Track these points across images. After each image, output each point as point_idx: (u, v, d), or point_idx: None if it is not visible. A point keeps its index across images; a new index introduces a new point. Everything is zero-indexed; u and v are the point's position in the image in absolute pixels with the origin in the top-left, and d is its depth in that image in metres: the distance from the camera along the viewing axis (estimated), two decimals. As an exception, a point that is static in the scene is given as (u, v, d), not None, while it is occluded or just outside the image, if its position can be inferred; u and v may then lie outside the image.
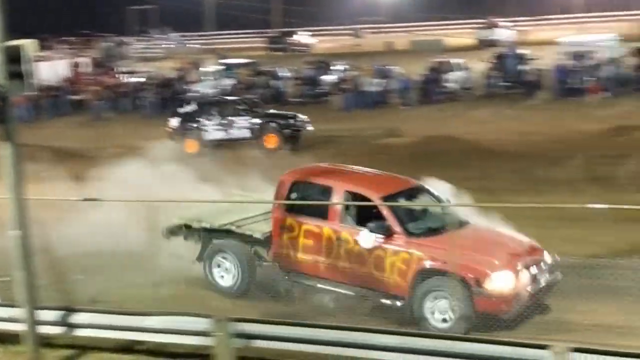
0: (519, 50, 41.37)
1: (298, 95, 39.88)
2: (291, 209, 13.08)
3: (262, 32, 65.32)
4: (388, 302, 12.19)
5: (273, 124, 28.82)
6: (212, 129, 28.69)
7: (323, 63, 43.54)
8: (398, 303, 12.09)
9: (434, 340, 10.04)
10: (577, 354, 9.13)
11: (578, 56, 37.78)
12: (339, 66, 42.71)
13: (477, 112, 33.97)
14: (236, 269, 13.49)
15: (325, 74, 41.53)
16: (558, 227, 14.64)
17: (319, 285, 12.76)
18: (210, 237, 13.80)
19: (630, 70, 36.61)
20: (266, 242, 13.30)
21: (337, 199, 12.75)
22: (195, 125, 28.77)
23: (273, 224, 13.23)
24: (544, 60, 39.79)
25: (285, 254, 13.09)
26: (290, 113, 30.52)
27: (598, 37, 41.81)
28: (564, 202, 15.72)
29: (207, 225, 13.76)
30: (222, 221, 13.69)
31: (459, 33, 55.96)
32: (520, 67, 38.56)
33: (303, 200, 13.01)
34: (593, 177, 20.10)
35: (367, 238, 12.29)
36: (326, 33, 65.54)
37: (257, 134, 28.58)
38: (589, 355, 9.18)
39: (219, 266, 13.71)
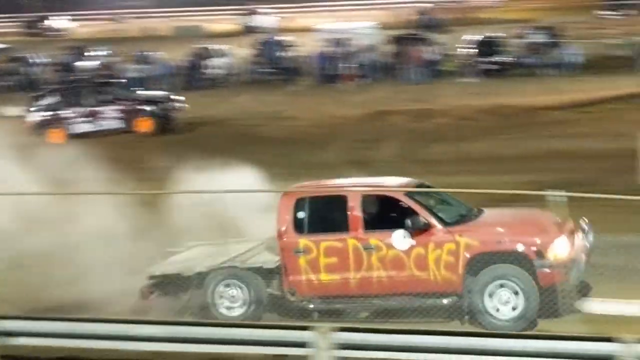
0: (280, 37, 42.13)
1: (57, 81, 38.49)
2: (302, 229, 11.83)
3: (18, 17, 62.46)
4: (442, 302, 11.12)
5: (144, 107, 27.63)
6: (77, 121, 27.08)
7: (78, 49, 42.29)
8: (448, 300, 11.05)
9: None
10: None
11: (337, 43, 39.02)
12: (100, 52, 41.67)
13: (240, 98, 34.30)
14: (245, 308, 11.88)
15: (80, 60, 40.41)
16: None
17: (352, 305, 11.64)
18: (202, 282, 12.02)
19: (387, 57, 38.29)
20: (276, 272, 11.87)
21: (355, 206, 11.63)
22: (58, 117, 27.11)
23: (283, 250, 11.79)
24: (305, 47, 40.74)
25: (306, 279, 11.74)
26: (161, 94, 29.56)
27: (357, 24, 43.34)
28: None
29: (204, 269, 11.94)
30: (216, 261, 12.09)
31: (220, 19, 56.18)
32: (281, 54, 39.33)
33: (314, 216, 11.77)
34: (353, 160, 20.84)
35: (402, 238, 11.29)
36: (86, 18, 63.63)
37: (128, 121, 27.30)
38: (353, 334, 9.36)
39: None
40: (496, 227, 11.28)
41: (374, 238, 11.40)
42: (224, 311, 11.78)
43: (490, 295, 10.86)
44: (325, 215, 11.86)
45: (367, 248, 11.39)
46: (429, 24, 49.96)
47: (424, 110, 28.99)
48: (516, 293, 10.77)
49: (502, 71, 36.30)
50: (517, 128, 25.24)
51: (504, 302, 10.84)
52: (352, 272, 11.49)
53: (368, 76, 36.89)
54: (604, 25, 49.03)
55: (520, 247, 10.86)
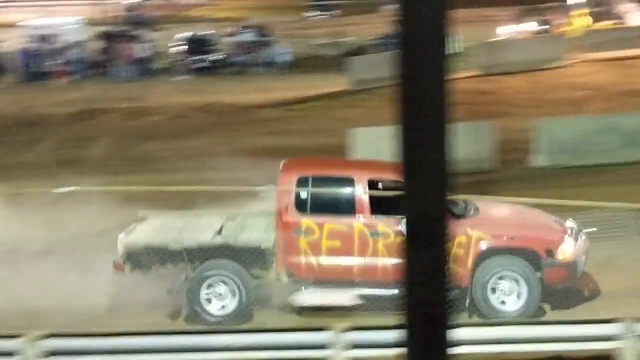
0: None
1: None
2: (305, 209, 11.18)
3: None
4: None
5: None
6: None
7: None
8: (456, 292, 10.65)
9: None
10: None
11: (43, 39, 37.56)
12: None
13: None
14: (237, 291, 11.11)
15: None
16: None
17: (355, 291, 11.03)
18: (193, 257, 11.13)
19: (96, 55, 37.39)
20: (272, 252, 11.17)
21: (361, 189, 11.11)
22: None
23: (281, 228, 11.13)
24: (9, 43, 38.83)
25: (305, 261, 11.14)
26: None
27: (63, 20, 41.90)
28: (33, 187, 15.53)
29: (194, 244, 11.10)
30: (203, 235, 11.30)
31: None
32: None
33: (318, 196, 11.20)
34: (62, 160, 20.17)
35: None
36: None
37: None
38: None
39: (207, 291, 11.21)
40: (508, 222, 11.38)
41: (382, 224, 11.01)
42: (210, 294, 11.12)
43: (494, 290, 10.89)
44: (330, 196, 11.39)
45: (374, 234, 11.03)
46: (138, 21, 49.36)
47: (136, 108, 28.60)
48: (520, 287, 10.90)
49: (214, 69, 36.60)
50: (230, 125, 25.55)
51: (507, 295, 10.93)
52: (355, 257, 11.10)
53: (78, 73, 35.84)
54: (311, 25, 50.88)
55: (532, 244, 10.95)
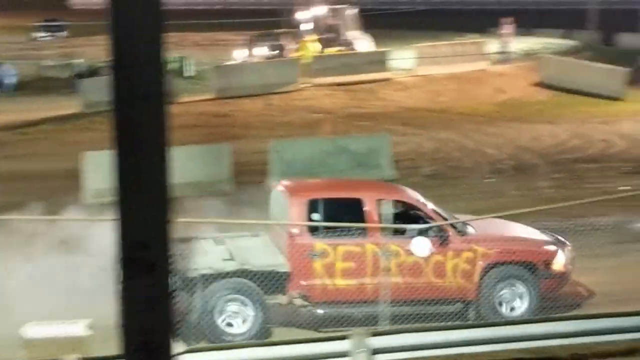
0: None
1: None
2: (317, 232, 11.40)
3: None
4: (451, 308, 11.47)
5: None
6: None
7: None
8: (458, 306, 11.53)
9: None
10: None
11: None
12: None
13: None
14: (254, 314, 11.05)
15: None
16: None
17: (367, 310, 11.25)
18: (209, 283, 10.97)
19: None
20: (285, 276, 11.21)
21: (371, 209, 11.37)
22: None
23: (295, 253, 11.19)
24: None
25: (320, 284, 11.26)
26: None
27: None
28: None
29: (211, 272, 10.94)
30: (208, 262, 11.15)
31: None
32: None
33: (330, 219, 11.39)
34: None
35: (423, 246, 11.18)
36: None
37: None
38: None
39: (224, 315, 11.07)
40: (509, 238, 11.98)
41: (393, 243, 11.31)
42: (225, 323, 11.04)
43: (500, 302, 11.64)
44: (340, 218, 11.46)
45: (386, 253, 11.26)
46: None
47: None
48: (521, 297, 11.70)
49: None
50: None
51: (512, 306, 11.70)
52: (368, 277, 11.35)
53: None
54: (40, 46, 49.24)
55: (532, 257, 11.76)
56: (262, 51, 35.44)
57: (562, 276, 12.07)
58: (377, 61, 34.86)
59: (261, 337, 10.95)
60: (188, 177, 17.97)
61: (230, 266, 11.12)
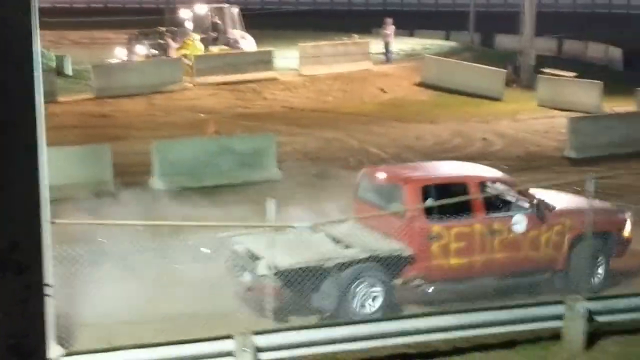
0: None
1: None
2: (431, 215, 12.37)
3: None
4: (544, 276, 13.00)
5: None
6: None
7: None
8: (548, 275, 13.02)
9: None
10: None
11: None
12: None
13: None
14: (383, 295, 12.00)
15: None
16: None
17: (473, 284, 12.66)
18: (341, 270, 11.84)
19: None
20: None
21: (475, 192, 12.65)
22: None
23: (415, 236, 12.22)
24: None
25: (436, 264, 12.36)
26: None
27: None
28: None
29: (345, 259, 11.80)
30: (330, 251, 12.07)
31: None
32: None
33: (440, 202, 12.29)
34: None
35: (522, 222, 12.57)
36: None
37: None
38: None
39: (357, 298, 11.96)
40: (590, 211, 12.48)
41: (497, 222, 12.65)
42: (360, 307, 11.87)
43: (590, 268, 12.86)
44: (451, 199, 12.38)
45: (491, 232, 12.54)
46: None
47: None
48: (600, 265, 13.19)
49: None
50: None
51: (598, 271, 13.20)
52: (477, 255, 12.54)
53: None
54: None
55: (609, 226, 13.37)
56: (143, 50, 34.87)
57: (629, 242, 13.75)
58: (262, 61, 34.80)
59: (392, 313, 11.81)
60: (67, 179, 17.74)
61: (361, 253, 11.99)
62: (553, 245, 13.01)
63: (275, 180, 19.79)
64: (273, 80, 34.11)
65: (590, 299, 11.07)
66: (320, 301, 11.80)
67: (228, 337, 9.68)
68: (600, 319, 11.11)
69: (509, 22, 43.18)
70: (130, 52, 34.93)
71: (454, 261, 12.54)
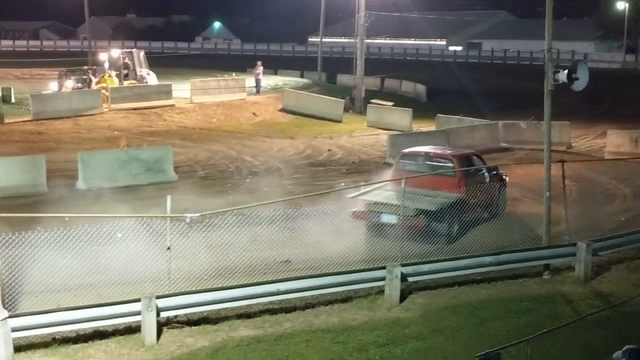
0: None
1: None
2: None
3: None
4: None
5: None
6: None
7: None
8: None
9: None
10: None
11: None
12: None
13: None
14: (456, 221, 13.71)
15: None
16: None
17: None
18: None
19: None
20: None
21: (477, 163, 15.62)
22: None
23: (461, 187, 14.30)
24: None
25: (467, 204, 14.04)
26: None
27: None
28: None
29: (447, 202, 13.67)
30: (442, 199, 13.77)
31: None
32: None
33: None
34: None
35: None
36: None
37: None
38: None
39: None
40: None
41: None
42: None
43: None
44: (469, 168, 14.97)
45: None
46: None
47: None
48: None
49: None
50: None
51: None
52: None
53: None
54: None
55: None
56: (71, 83, 33.51)
57: None
58: (163, 92, 34.08)
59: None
60: (10, 182, 17.55)
61: (448, 199, 13.61)
62: None
63: (173, 182, 19.47)
64: (171, 106, 33.45)
65: (403, 264, 11.25)
66: (442, 228, 13.39)
67: (136, 300, 9.42)
68: (411, 279, 11.39)
69: (347, 65, 43.78)
70: (61, 85, 33.49)
71: (472, 201, 14.30)
